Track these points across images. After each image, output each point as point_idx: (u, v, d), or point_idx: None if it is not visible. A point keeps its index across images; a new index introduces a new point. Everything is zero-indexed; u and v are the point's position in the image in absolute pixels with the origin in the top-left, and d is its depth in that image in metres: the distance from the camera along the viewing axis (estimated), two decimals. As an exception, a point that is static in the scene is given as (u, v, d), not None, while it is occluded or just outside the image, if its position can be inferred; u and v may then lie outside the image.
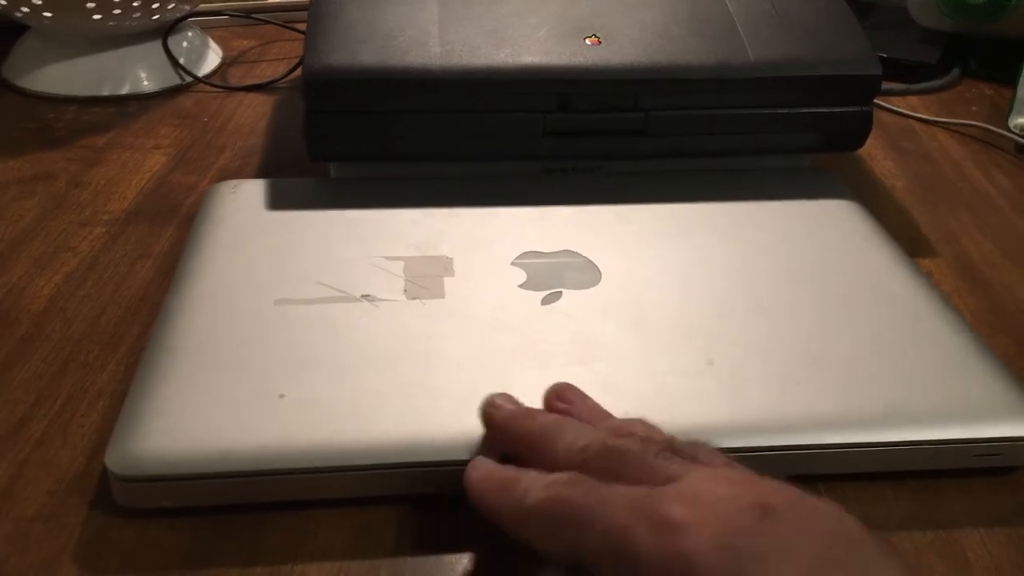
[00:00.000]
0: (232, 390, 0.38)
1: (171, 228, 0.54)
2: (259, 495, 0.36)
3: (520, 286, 0.45)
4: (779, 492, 0.28)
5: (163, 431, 0.36)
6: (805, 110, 0.55)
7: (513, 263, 0.46)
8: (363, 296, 0.44)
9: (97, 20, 0.67)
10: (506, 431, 0.35)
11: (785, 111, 0.55)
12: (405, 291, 0.44)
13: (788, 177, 0.56)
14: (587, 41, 0.54)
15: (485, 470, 0.34)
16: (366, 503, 0.36)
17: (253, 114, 0.69)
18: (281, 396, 0.37)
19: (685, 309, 0.44)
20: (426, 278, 0.45)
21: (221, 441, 0.36)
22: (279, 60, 0.79)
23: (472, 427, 0.36)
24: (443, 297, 0.44)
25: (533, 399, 0.37)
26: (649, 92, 0.53)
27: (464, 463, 0.34)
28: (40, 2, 0.65)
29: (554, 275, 0.46)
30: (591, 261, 0.47)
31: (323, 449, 0.36)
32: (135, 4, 0.66)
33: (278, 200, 0.51)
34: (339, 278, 0.45)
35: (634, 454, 0.31)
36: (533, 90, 0.53)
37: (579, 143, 0.55)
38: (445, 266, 0.46)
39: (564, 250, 0.48)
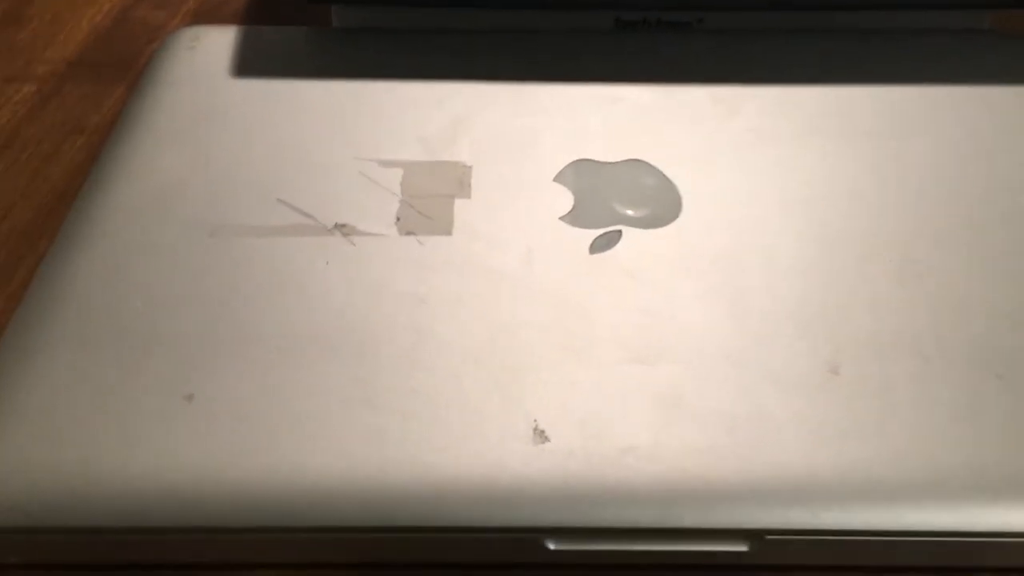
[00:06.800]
0: (119, 389, 0.26)
1: (120, 89, 0.41)
2: (148, 555, 0.25)
3: (562, 218, 0.31)
4: None
5: (11, 460, 0.24)
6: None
7: (556, 179, 0.32)
8: (337, 226, 0.31)
9: None
10: None
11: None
12: (398, 220, 0.31)
13: (965, 46, 0.40)
14: None
15: None
16: (306, 567, 0.25)
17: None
18: (188, 398, 0.26)
19: (807, 272, 0.29)
20: (430, 200, 0.32)
21: (93, 477, 0.24)
22: None
23: (470, 463, 0.24)
24: (449, 233, 0.30)
25: (563, 413, 0.25)
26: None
27: (459, 530, 0.23)
28: None
29: (613, 201, 0.31)
30: (669, 180, 0.32)
31: (241, 496, 0.24)
32: None
33: (249, 62, 0.38)
34: (311, 193, 0.32)
35: None
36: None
37: (670, -12, 0.39)
38: (460, 180, 0.32)
39: (632, 159, 0.33)
